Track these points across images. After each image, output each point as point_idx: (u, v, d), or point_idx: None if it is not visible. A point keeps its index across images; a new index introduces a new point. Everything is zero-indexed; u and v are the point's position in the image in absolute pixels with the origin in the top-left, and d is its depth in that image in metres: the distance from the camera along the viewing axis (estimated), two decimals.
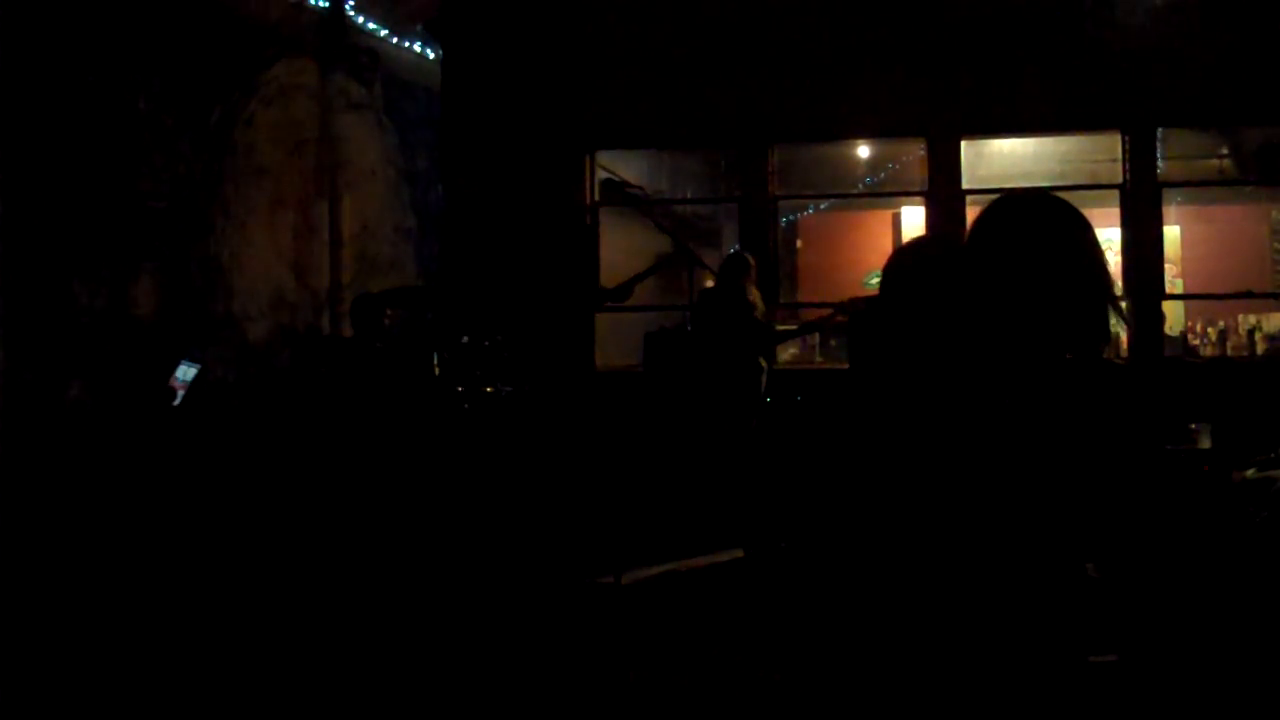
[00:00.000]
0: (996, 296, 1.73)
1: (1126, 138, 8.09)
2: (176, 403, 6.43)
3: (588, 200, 8.55)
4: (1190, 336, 8.71)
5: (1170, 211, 8.56)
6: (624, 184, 6.57)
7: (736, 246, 8.34)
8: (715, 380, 6.65)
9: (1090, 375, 1.74)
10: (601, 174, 8.67)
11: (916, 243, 2.07)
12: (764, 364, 6.76)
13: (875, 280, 9.72)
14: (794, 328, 7.55)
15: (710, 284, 7.18)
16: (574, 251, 6.14)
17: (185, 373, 6.50)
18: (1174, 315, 8.60)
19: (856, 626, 1.70)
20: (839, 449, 1.78)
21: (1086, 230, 1.80)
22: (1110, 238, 7.99)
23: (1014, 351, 1.72)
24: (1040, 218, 1.79)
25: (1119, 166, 8.19)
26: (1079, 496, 1.68)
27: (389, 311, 6.87)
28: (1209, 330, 8.73)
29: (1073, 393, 1.71)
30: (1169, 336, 8.36)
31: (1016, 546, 1.66)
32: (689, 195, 10.45)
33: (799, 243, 10.12)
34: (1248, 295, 8.44)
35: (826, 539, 1.74)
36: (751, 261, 6.90)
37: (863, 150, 9.29)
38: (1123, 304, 7.84)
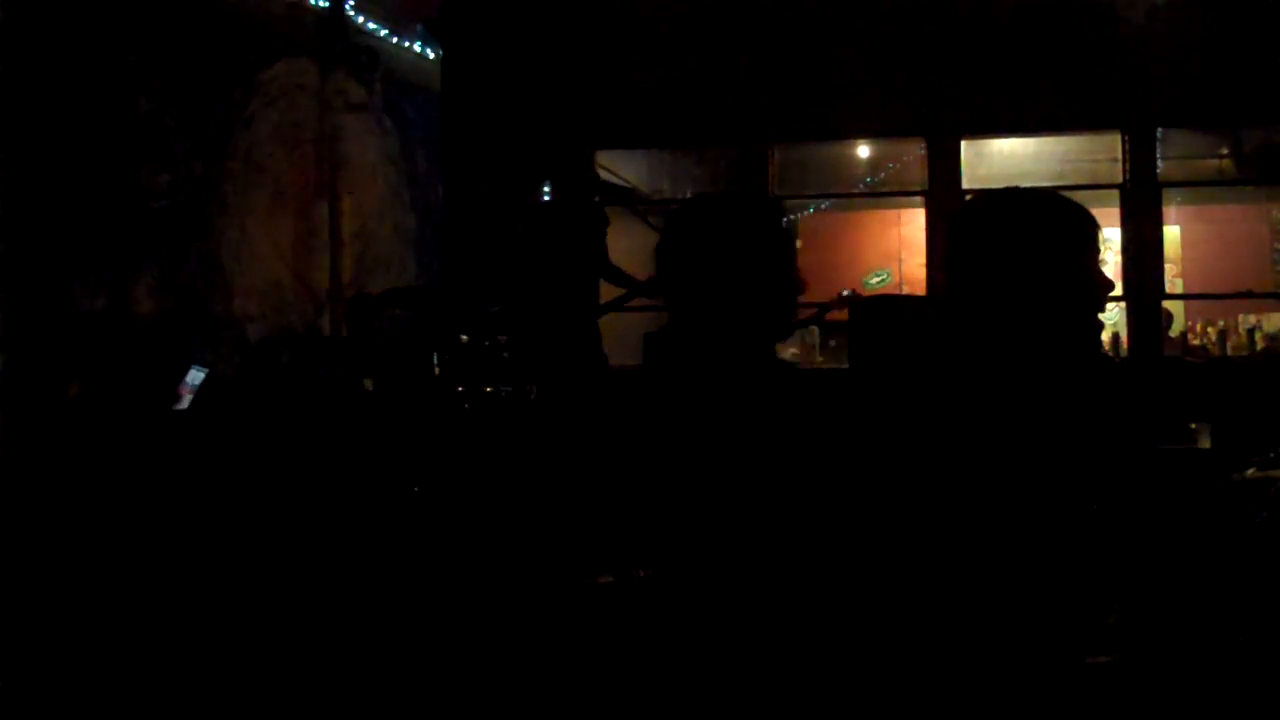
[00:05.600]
0: (982, 296, 1.73)
1: (1126, 138, 8.09)
2: (183, 406, 6.47)
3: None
4: (1190, 336, 8.71)
5: (1170, 211, 8.56)
6: (617, 186, 6.55)
7: None
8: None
9: (1081, 373, 1.74)
10: (600, 174, 8.68)
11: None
12: None
13: (876, 280, 9.81)
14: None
15: None
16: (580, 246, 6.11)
17: (194, 377, 6.59)
18: (1174, 315, 8.61)
19: (850, 628, 1.70)
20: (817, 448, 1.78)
21: (1071, 230, 1.78)
22: (1110, 238, 7.99)
23: (1004, 350, 1.72)
24: (1022, 218, 1.78)
25: (1119, 166, 8.18)
26: (1074, 495, 1.68)
27: (384, 312, 6.88)
28: (1209, 330, 8.73)
29: (1063, 391, 1.71)
30: (1169, 337, 8.37)
31: (1011, 545, 1.66)
32: (689, 195, 10.45)
33: (799, 243, 10.12)
34: (1248, 295, 8.44)
35: (802, 537, 1.74)
36: None
37: (863, 150, 9.29)
38: (1122, 304, 7.85)
